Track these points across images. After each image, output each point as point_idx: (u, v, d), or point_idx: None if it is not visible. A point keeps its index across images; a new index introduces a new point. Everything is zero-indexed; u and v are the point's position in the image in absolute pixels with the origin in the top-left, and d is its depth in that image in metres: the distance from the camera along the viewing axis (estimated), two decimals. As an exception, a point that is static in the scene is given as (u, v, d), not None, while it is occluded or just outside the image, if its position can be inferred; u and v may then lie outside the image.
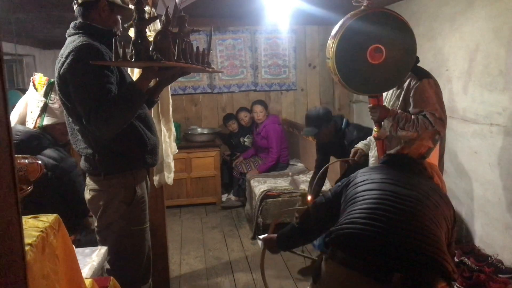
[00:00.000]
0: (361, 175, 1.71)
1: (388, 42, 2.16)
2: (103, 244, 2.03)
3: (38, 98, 2.43)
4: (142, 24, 1.70)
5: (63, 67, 1.79)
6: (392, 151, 1.90)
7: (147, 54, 1.68)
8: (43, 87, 2.44)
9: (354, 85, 2.29)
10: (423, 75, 2.41)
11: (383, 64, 2.17)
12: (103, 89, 1.77)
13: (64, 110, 1.96)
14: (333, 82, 5.42)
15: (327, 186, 4.03)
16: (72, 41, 1.84)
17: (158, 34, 1.71)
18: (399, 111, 2.39)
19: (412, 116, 2.33)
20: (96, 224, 2.05)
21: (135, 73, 2.46)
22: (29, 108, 2.44)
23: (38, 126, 2.41)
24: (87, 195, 2.05)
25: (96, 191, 2.00)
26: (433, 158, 1.85)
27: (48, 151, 2.35)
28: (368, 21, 2.14)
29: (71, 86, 1.79)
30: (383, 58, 2.16)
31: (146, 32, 1.73)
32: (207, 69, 2.03)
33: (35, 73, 2.50)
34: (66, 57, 1.79)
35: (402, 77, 2.32)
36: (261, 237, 2.20)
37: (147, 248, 2.15)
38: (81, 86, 1.77)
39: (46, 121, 2.42)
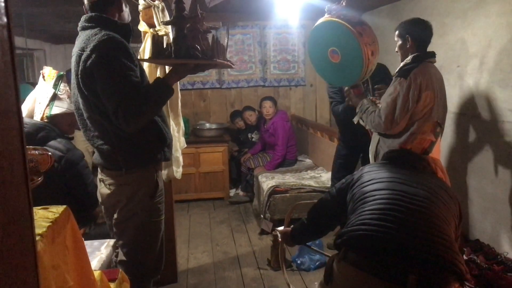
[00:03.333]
0: (367, 174, 1.69)
1: (341, 46, 2.48)
2: (119, 237, 2.05)
3: (47, 89, 2.44)
4: (183, 21, 1.71)
5: (90, 61, 1.76)
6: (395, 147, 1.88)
7: (187, 52, 1.69)
8: (53, 79, 2.45)
9: (328, 79, 2.86)
10: (403, 73, 2.50)
11: (341, 63, 2.52)
12: (132, 83, 1.77)
13: (83, 106, 1.92)
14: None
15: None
16: (93, 34, 1.80)
17: (190, 31, 1.72)
18: (366, 102, 2.66)
19: (372, 110, 2.58)
20: (115, 217, 2.05)
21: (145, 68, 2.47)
22: (38, 100, 2.46)
23: (46, 116, 2.41)
24: (105, 190, 2.05)
25: (116, 185, 2.01)
26: (435, 153, 1.83)
27: (54, 143, 2.35)
28: (325, 28, 2.53)
29: (99, 80, 1.77)
30: (339, 59, 2.51)
31: (185, 30, 1.74)
32: (232, 64, 2.05)
33: (45, 67, 2.52)
34: (92, 51, 1.76)
35: (355, 76, 2.54)
36: (278, 229, 2.23)
37: (161, 239, 2.18)
38: (110, 80, 1.75)
39: (55, 110, 2.42)
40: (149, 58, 1.89)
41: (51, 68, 2.51)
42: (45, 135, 2.35)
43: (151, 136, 1.98)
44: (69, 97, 2.43)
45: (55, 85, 2.44)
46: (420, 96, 2.45)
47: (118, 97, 1.74)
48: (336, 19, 2.44)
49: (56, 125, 2.43)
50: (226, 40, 2.06)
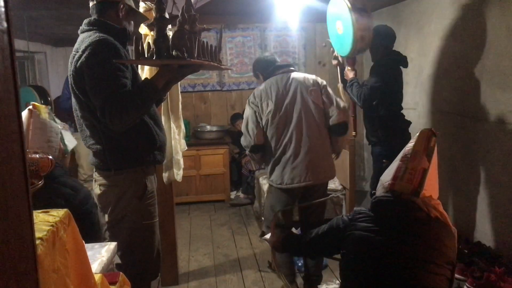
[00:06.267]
0: (357, 241, 1.64)
1: (344, 22, 2.89)
2: (113, 240, 2.05)
3: (51, 124, 2.36)
4: (163, 22, 1.73)
5: (80, 60, 1.82)
6: (382, 191, 1.69)
7: (168, 52, 1.70)
8: (45, 111, 2.37)
9: (334, 44, 3.21)
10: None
11: (341, 35, 2.97)
12: (118, 83, 1.81)
13: (76, 106, 1.98)
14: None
15: (335, 184, 4.01)
16: (88, 36, 1.87)
17: (175, 32, 1.73)
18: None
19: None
20: (107, 219, 2.07)
21: (145, 71, 2.48)
22: (45, 137, 2.33)
23: (64, 152, 2.38)
24: (97, 190, 2.08)
25: (107, 186, 2.04)
26: (429, 187, 1.63)
27: (65, 180, 2.23)
28: (333, 5, 3.03)
29: (87, 79, 1.82)
30: (342, 31, 2.95)
31: (167, 31, 1.76)
32: (221, 66, 2.07)
33: (31, 103, 2.39)
34: (83, 51, 1.82)
35: (346, 50, 2.97)
36: (266, 237, 2.21)
37: (157, 242, 2.18)
38: (98, 79, 1.80)
39: (70, 146, 2.40)
40: (131, 59, 1.91)
41: (35, 103, 2.42)
42: (57, 173, 2.21)
43: (140, 138, 1.99)
44: (64, 128, 2.43)
45: (52, 117, 2.39)
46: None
47: (104, 96, 1.78)
48: (346, 1, 2.81)
49: (65, 161, 2.39)
50: (218, 42, 2.06)
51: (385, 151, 3.16)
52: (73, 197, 2.17)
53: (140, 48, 1.73)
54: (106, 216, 2.08)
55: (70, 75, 1.91)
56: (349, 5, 2.79)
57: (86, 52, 1.81)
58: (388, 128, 3.13)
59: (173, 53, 1.70)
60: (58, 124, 2.42)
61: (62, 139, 2.39)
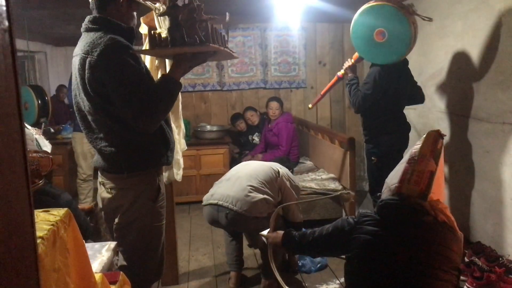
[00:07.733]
0: (363, 245, 1.62)
1: (390, 29, 2.88)
2: (120, 242, 2.02)
3: (28, 132, 2.29)
4: (176, 11, 1.72)
5: (99, 68, 1.75)
6: (388, 194, 1.67)
7: (183, 40, 1.69)
8: None
9: (363, 53, 3.13)
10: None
11: (384, 43, 2.93)
12: (145, 86, 1.79)
13: (89, 108, 1.88)
14: (342, 80, 5.41)
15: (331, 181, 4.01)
16: (98, 38, 1.79)
17: (187, 21, 1.73)
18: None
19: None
20: (116, 221, 2.02)
21: (147, 64, 2.47)
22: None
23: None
24: (106, 194, 2.02)
25: (118, 189, 1.98)
26: (436, 190, 1.62)
27: (44, 188, 2.19)
28: (380, 10, 2.90)
29: (111, 85, 1.77)
30: (385, 39, 2.91)
31: (179, 19, 1.75)
32: (233, 53, 2.08)
33: None
34: (100, 56, 1.75)
35: (392, 58, 2.97)
36: (263, 233, 2.18)
37: (162, 244, 2.16)
38: (125, 87, 1.76)
39: (47, 150, 2.31)
40: (146, 50, 1.89)
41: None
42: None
43: (156, 139, 1.96)
44: (38, 133, 2.34)
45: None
46: None
47: (134, 100, 1.76)
48: (398, 8, 2.83)
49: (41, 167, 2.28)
50: (225, 30, 2.06)
51: (373, 148, 3.23)
52: (54, 204, 2.13)
53: (155, 38, 1.73)
54: (116, 219, 2.02)
55: (82, 79, 1.82)
56: (404, 14, 2.80)
57: (104, 59, 1.75)
58: (377, 127, 3.16)
59: (188, 41, 1.71)
60: (31, 130, 2.34)
61: (38, 145, 2.31)
